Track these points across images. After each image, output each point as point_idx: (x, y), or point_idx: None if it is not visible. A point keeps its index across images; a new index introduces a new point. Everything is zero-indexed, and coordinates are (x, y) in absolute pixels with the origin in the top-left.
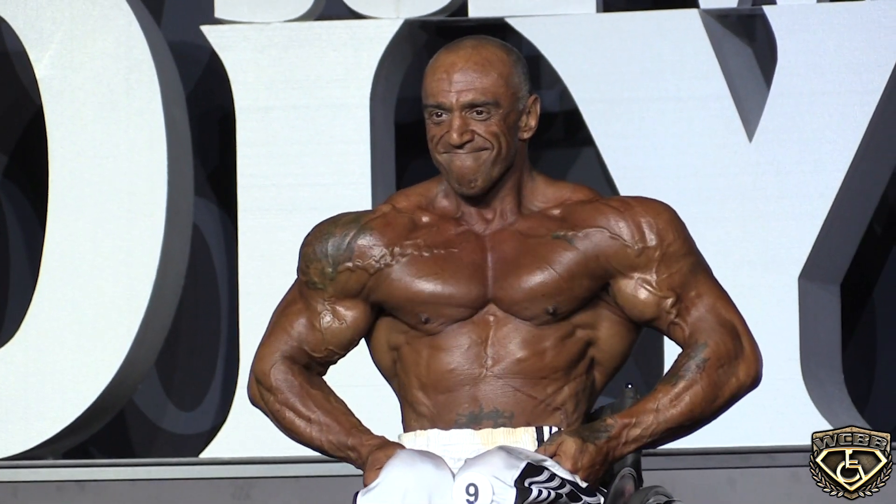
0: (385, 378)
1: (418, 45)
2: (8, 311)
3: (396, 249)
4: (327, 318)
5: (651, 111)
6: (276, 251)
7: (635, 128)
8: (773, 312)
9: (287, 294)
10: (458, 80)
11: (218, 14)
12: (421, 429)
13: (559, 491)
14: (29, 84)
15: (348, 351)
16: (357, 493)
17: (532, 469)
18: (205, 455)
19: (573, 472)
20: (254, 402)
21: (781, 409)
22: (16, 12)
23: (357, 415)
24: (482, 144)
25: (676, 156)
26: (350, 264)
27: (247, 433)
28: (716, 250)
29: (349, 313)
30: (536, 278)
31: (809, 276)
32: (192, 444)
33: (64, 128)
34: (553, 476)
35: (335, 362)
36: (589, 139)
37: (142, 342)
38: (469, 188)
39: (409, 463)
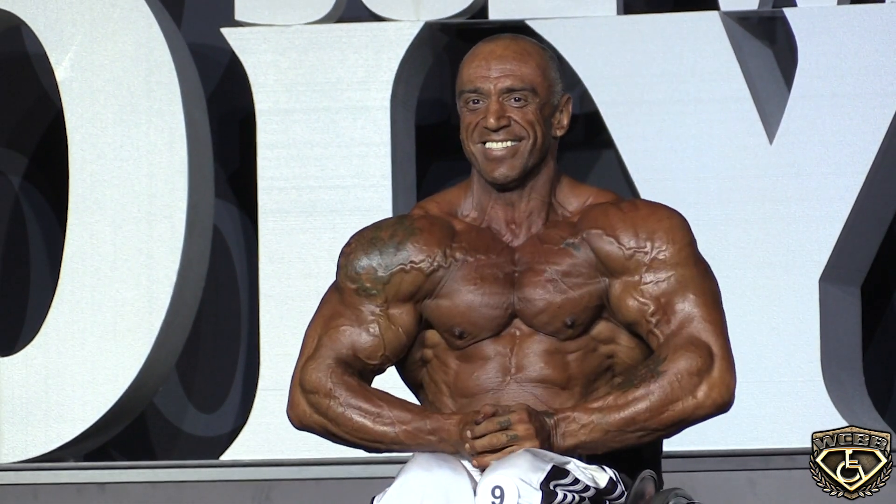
0: (412, 391)
1: (438, 47)
2: (28, 313)
3: (448, 251)
4: (383, 324)
5: (671, 113)
6: (297, 253)
7: (656, 130)
8: (793, 314)
9: (323, 309)
10: (497, 66)
11: (238, 16)
12: None
13: (583, 494)
14: (49, 86)
15: (399, 358)
16: (374, 497)
17: (557, 472)
18: (225, 457)
19: (525, 434)
20: (303, 422)
21: (802, 411)
22: (36, 15)
23: None
24: (518, 132)
25: (697, 158)
26: (405, 265)
27: (267, 435)
28: (736, 252)
29: (402, 318)
30: (551, 292)
31: (830, 278)
32: (212, 446)
33: (84, 130)
34: (577, 480)
35: (384, 371)
36: (609, 141)
37: (162, 344)
38: (503, 177)
39: (426, 467)
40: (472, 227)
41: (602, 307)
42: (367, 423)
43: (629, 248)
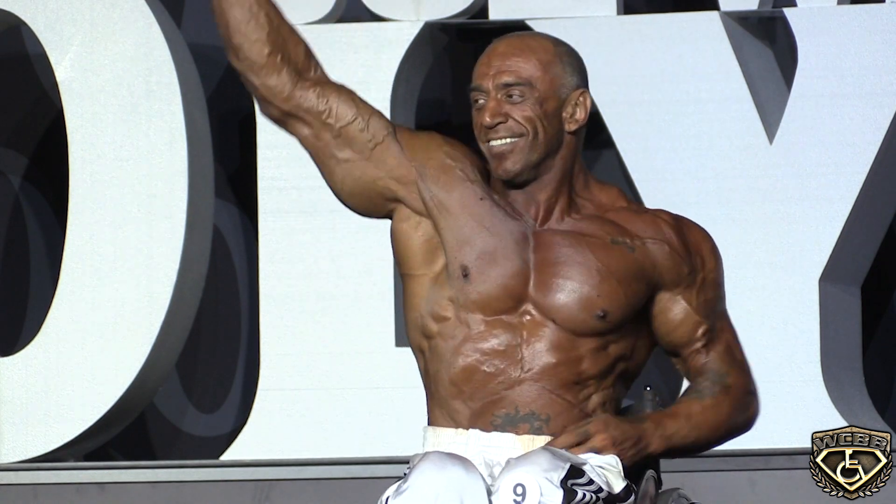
0: (412, 348)
1: (438, 47)
2: (28, 313)
3: (472, 172)
4: (373, 118)
5: (671, 113)
6: (297, 253)
7: (656, 130)
8: (793, 314)
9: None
10: (497, 63)
11: None
12: (460, 427)
13: (598, 495)
14: (49, 87)
15: (319, 111)
16: (387, 497)
17: (574, 471)
18: (225, 457)
19: (602, 445)
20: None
21: (802, 411)
22: (35, 15)
23: (382, 415)
24: (516, 129)
25: (697, 158)
26: (440, 137)
27: (267, 435)
28: (736, 252)
29: (395, 143)
30: (594, 280)
31: (830, 278)
32: (212, 446)
33: (84, 130)
34: (592, 480)
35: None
36: (609, 141)
37: (162, 344)
38: (506, 173)
39: (440, 466)
40: (502, 195)
41: (638, 309)
42: None
43: (687, 265)
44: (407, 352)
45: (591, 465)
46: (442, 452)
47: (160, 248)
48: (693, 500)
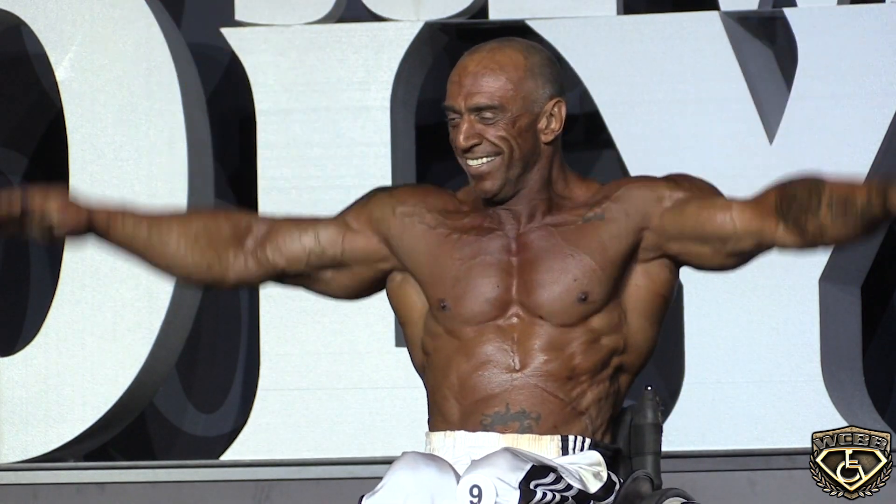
0: (418, 373)
1: (438, 47)
2: (28, 313)
3: (431, 217)
4: (321, 233)
5: (671, 113)
6: None
7: (656, 130)
8: (793, 314)
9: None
10: (467, 83)
11: (238, 16)
12: (449, 430)
13: (565, 494)
14: (49, 86)
15: (292, 263)
16: (362, 496)
17: (537, 471)
18: (225, 457)
19: None
20: None
21: (802, 411)
22: (36, 15)
23: (382, 415)
24: (490, 150)
25: (697, 158)
26: (388, 197)
27: (267, 435)
28: None
29: (355, 234)
30: (568, 265)
31: (830, 278)
32: (212, 446)
33: (84, 130)
34: (559, 478)
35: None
36: (609, 141)
37: (162, 344)
38: (486, 193)
39: (413, 466)
40: (476, 214)
41: (620, 279)
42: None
43: (661, 187)
44: (407, 351)
45: (567, 467)
46: (417, 453)
47: None
48: (690, 499)
